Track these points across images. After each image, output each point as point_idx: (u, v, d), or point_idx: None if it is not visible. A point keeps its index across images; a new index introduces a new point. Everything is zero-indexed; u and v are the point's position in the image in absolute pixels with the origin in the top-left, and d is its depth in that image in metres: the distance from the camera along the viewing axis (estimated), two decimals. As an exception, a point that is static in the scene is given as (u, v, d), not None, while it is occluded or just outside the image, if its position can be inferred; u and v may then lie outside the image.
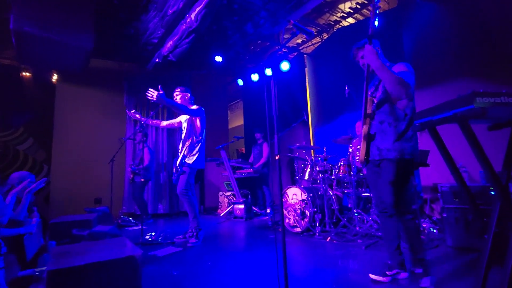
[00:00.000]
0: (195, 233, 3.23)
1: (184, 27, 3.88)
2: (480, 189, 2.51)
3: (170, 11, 3.88)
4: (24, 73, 5.60)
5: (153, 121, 3.62)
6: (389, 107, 1.90)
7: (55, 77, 5.60)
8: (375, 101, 1.95)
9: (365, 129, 1.92)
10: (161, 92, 2.95)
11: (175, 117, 6.32)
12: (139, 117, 3.41)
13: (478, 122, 1.30)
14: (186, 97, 3.48)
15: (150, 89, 2.95)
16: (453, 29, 3.71)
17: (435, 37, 3.89)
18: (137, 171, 4.73)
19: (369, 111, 1.93)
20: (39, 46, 3.86)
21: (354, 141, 3.62)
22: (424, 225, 3.24)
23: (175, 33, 4.17)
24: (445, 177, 3.39)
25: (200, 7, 3.51)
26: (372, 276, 1.94)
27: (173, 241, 3.33)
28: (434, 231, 3.12)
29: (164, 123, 3.64)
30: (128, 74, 6.01)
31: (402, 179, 1.85)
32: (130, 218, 4.97)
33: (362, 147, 1.92)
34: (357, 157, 3.43)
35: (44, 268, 2.05)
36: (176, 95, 3.47)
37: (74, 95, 5.62)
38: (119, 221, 4.78)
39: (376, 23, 1.86)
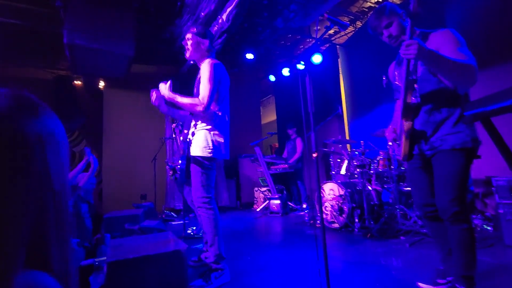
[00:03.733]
0: (219, 270, 2.03)
1: (216, 28, 3.98)
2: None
3: (202, 14, 3.99)
4: (76, 82, 6.19)
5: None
6: (437, 84, 1.56)
7: (101, 84, 6.10)
8: (416, 86, 1.55)
9: (409, 125, 1.60)
10: (165, 85, 2.07)
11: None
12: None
13: (540, 111, 1.18)
14: (203, 46, 2.16)
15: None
16: (502, 6, 3.33)
17: (483, 19, 3.52)
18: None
19: (409, 100, 1.56)
20: (88, 56, 4.24)
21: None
22: (476, 222, 3.00)
23: (208, 35, 4.29)
24: (500, 170, 3.08)
25: (231, 7, 3.57)
26: (420, 284, 1.73)
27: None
28: (488, 228, 2.88)
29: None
30: (165, 77, 6.31)
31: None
32: (173, 213, 5.28)
33: (405, 144, 1.66)
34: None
35: (103, 258, 2.29)
36: (188, 39, 2.18)
37: (118, 99, 6.08)
38: (163, 216, 5.10)
39: None
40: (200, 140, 2.04)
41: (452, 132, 1.51)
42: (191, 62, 4.93)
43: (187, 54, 2.20)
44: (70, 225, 0.46)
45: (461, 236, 1.49)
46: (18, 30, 4.56)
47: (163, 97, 2.16)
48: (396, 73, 1.80)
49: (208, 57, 2.19)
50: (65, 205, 0.45)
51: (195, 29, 2.17)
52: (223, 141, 2.09)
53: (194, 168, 2.05)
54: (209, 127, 2.07)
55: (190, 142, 2.11)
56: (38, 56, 5.61)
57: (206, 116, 2.06)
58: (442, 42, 1.49)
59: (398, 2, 4.98)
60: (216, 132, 2.08)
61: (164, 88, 2.09)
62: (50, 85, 6.03)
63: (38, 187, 0.40)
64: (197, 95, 2.04)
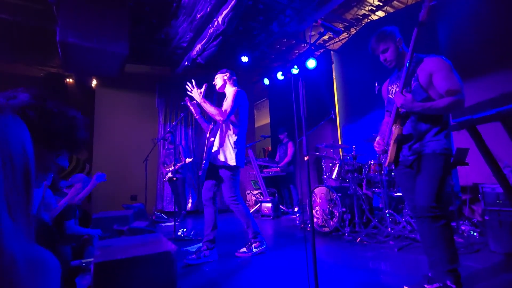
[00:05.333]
0: (258, 243, 2.69)
1: (212, 30, 3.99)
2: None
3: (198, 16, 4.00)
4: (68, 80, 6.10)
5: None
6: (427, 101, 1.71)
7: (94, 83, 6.03)
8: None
9: (398, 130, 1.75)
10: (199, 90, 2.60)
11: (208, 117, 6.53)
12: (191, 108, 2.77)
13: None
14: (225, 77, 2.80)
15: (190, 86, 2.61)
16: (492, 17, 3.44)
17: (473, 27, 3.62)
18: (179, 169, 4.94)
19: (401, 110, 1.76)
20: (81, 55, 4.19)
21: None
22: (463, 228, 3.06)
23: (203, 37, 4.30)
24: (486, 177, 3.16)
25: (227, 10, 3.59)
26: None
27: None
28: (475, 234, 2.93)
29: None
30: (159, 77, 6.30)
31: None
32: (163, 215, 5.23)
33: (392, 149, 1.78)
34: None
35: (90, 259, 2.24)
36: (216, 78, 2.86)
37: (111, 98, 6.02)
38: (153, 217, 5.04)
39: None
40: (227, 152, 2.58)
41: (433, 139, 1.71)
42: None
43: (217, 88, 2.85)
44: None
45: (441, 233, 1.63)
46: (8, 25, 4.48)
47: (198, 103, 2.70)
48: (390, 88, 1.96)
49: (233, 86, 2.81)
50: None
51: (219, 72, 2.85)
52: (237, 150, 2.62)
53: (223, 173, 2.60)
54: (233, 140, 2.59)
55: (217, 152, 2.61)
56: (29, 52, 5.51)
57: (227, 128, 2.63)
58: (435, 69, 1.68)
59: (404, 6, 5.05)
60: (237, 146, 2.61)
61: (197, 94, 2.59)
62: (40, 82, 5.92)
63: None
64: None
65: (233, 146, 2.59)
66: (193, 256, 2.55)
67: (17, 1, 4.18)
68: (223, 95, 2.79)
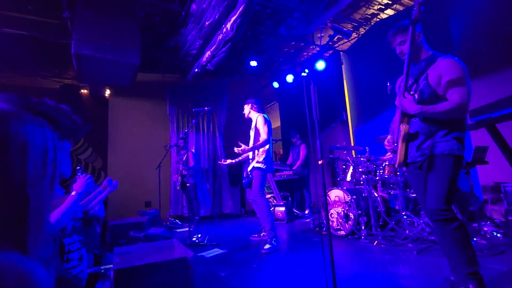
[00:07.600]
0: (276, 237, 3.05)
1: (220, 37, 4.04)
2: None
3: (207, 23, 4.06)
4: (82, 90, 6.29)
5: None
6: (435, 101, 1.68)
7: (107, 92, 6.19)
8: (416, 97, 1.73)
9: (405, 129, 1.74)
10: (242, 149, 3.24)
11: (215, 125, 6.63)
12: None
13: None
14: (253, 109, 3.57)
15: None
16: (505, 14, 3.34)
17: (487, 22, 3.53)
18: (187, 174, 4.99)
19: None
20: (95, 66, 4.31)
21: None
22: (486, 229, 2.95)
23: (212, 43, 4.35)
24: (508, 176, 3.05)
25: (235, 16, 3.63)
26: None
27: (219, 243, 3.47)
28: (498, 235, 2.82)
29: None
30: (170, 85, 6.41)
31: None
32: (177, 220, 5.28)
33: (401, 149, 1.76)
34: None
35: (109, 266, 2.28)
36: (245, 108, 3.60)
37: (124, 107, 6.15)
38: (167, 223, 5.09)
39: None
40: (259, 159, 3.23)
41: (442, 140, 1.67)
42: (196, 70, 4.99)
43: (246, 115, 3.65)
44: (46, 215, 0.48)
45: (455, 235, 1.58)
46: (26, 40, 4.67)
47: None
48: (402, 85, 1.90)
49: (259, 112, 3.54)
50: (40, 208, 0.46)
51: (247, 102, 3.61)
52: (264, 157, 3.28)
53: (255, 173, 3.23)
54: (262, 154, 3.28)
55: (252, 161, 3.31)
56: (45, 65, 5.72)
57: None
58: (445, 71, 1.65)
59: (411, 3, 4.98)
60: (265, 156, 3.26)
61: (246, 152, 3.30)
62: (56, 93, 6.13)
63: (10, 193, 0.42)
64: (256, 138, 3.40)
65: (263, 156, 3.29)
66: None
67: (34, 17, 4.36)
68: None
